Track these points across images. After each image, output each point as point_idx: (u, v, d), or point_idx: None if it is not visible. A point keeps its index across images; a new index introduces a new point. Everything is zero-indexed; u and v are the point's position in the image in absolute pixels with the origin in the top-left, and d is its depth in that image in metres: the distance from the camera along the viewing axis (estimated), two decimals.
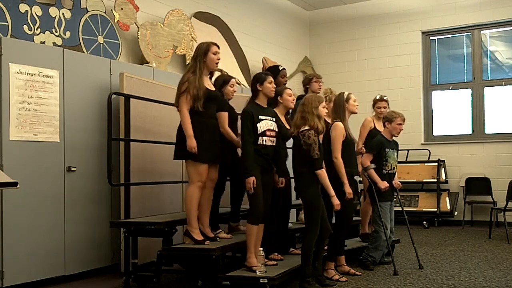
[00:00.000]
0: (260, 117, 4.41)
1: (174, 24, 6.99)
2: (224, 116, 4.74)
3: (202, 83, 4.37)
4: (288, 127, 4.88)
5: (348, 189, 4.75)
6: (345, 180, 4.75)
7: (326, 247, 4.95)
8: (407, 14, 9.65)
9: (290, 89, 5.01)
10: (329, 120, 5.00)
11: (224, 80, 5.09)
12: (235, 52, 8.37)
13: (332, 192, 4.42)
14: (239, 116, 4.75)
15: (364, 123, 5.94)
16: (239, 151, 4.75)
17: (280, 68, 5.64)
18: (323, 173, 4.39)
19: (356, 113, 5.14)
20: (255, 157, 4.33)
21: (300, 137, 4.43)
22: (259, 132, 4.36)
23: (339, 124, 4.87)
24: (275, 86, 4.62)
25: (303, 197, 4.52)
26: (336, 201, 4.44)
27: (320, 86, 5.87)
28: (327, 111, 4.59)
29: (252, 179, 4.24)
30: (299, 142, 4.43)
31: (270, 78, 4.56)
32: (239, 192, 5.16)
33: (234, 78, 5.33)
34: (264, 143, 4.40)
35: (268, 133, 4.42)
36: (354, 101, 5.10)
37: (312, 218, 4.43)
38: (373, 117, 6.02)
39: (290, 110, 5.11)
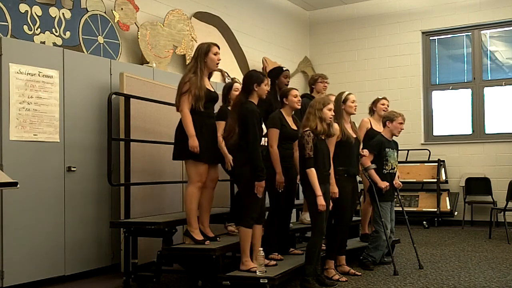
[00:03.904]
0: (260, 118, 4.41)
1: (174, 24, 6.98)
2: (221, 125, 4.72)
3: (203, 83, 4.37)
4: (294, 127, 4.88)
5: (333, 189, 4.75)
6: (332, 180, 4.75)
7: (325, 247, 4.96)
8: (407, 14, 9.65)
9: (296, 89, 5.00)
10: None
11: (228, 87, 5.11)
12: (235, 52, 8.37)
13: (318, 192, 4.39)
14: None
15: (361, 125, 5.95)
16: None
17: (284, 69, 5.65)
18: (311, 172, 4.40)
19: (353, 113, 5.12)
20: None
21: (300, 138, 4.47)
22: (263, 133, 4.35)
23: (334, 125, 4.87)
24: (268, 89, 4.57)
25: (307, 197, 4.55)
26: (320, 201, 4.38)
27: (325, 86, 5.90)
28: (333, 114, 4.58)
29: (264, 183, 4.23)
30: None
31: (266, 80, 4.51)
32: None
33: (237, 82, 5.31)
34: (265, 143, 4.41)
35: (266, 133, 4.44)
36: (353, 102, 5.07)
37: (316, 218, 4.44)
38: (370, 117, 6.04)
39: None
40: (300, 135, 4.55)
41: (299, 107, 4.96)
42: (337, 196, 4.78)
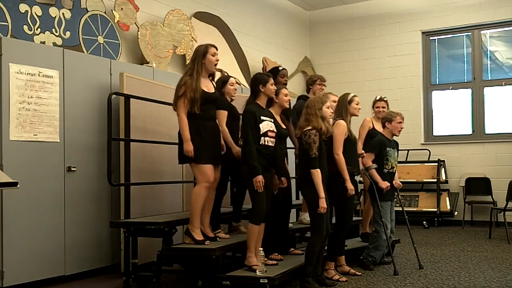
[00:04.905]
0: (262, 117, 4.42)
1: (174, 24, 6.99)
2: (223, 114, 4.76)
3: (199, 85, 4.37)
4: (283, 126, 4.89)
5: (349, 186, 4.75)
6: (347, 176, 4.75)
7: (326, 247, 4.95)
8: (407, 14, 9.65)
9: (286, 88, 5.03)
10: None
11: (223, 80, 5.13)
12: (235, 52, 8.37)
13: (322, 193, 4.37)
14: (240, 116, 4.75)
15: (363, 123, 5.96)
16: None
17: (280, 68, 5.65)
18: (317, 172, 4.38)
19: (357, 115, 5.15)
20: (257, 157, 4.33)
21: (302, 136, 4.45)
22: (261, 133, 4.37)
23: (342, 122, 4.88)
24: (275, 88, 4.64)
25: (307, 198, 4.54)
26: (323, 204, 4.37)
27: (322, 89, 5.82)
28: (331, 112, 4.61)
29: (261, 178, 4.26)
30: (302, 142, 4.46)
31: (272, 80, 4.59)
32: (241, 192, 5.20)
33: (233, 77, 5.34)
34: (266, 143, 4.41)
35: (269, 133, 4.44)
36: (357, 104, 5.09)
37: (317, 219, 4.44)
38: (372, 117, 6.04)
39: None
40: (302, 134, 4.51)
41: (288, 106, 4.96)
42: (353, 193, 4.79)
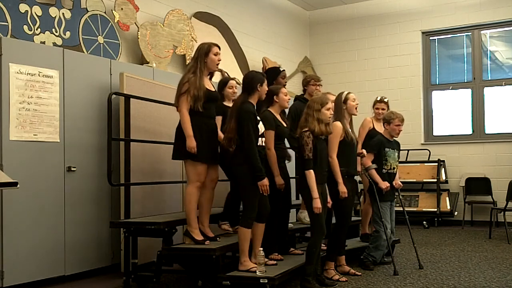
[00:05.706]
0: (258, 117, 4.40)
1: (174, 24, 6.99)
2: (218, 120, 4.74)
3: (202, 83, 4.37)
4: (285, 125, 4.89)
5: (342, 188, 4.75)
6: (340, 179, 4.76)
7: (325, 247, 4.96)
8: (407, 14, 9.65)
9: (285, 88, 5.01)
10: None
11: (223, 82, 5.11)
12: (235, 52, 8.38)
13: (315, 194, 4.36)
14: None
15: (363, 124, 5.96)
16: None
17: (281, 69, 5.64)
18: (310, 174, 4.37)
19: (355, 114, 5.11)
20: None
21: (299, 138, 4.45)
22: (259, 134, 4.36)
23: (337, 124, 4.86)
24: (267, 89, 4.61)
25: (305, 197, 4.53)
26: (316, 204, 4.35)
27: (317, 89, 5.75)
28: (331, 113, 4.57)
29: (266, 181, 4.23)
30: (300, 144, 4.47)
31: (266, 80, 4.55)
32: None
33: (233, 79, 5.31)
34: (262, 144, 4.40)
35: (264, 134, 4.44)
36: (354, 101, 5.04)
37: (316, 219, 4.44)
38: (372, 117, 6.03)
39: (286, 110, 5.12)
40: (299, 135, 4.51)
41: (287, 106, 4.94)
42: (346, 196, 4.78)
